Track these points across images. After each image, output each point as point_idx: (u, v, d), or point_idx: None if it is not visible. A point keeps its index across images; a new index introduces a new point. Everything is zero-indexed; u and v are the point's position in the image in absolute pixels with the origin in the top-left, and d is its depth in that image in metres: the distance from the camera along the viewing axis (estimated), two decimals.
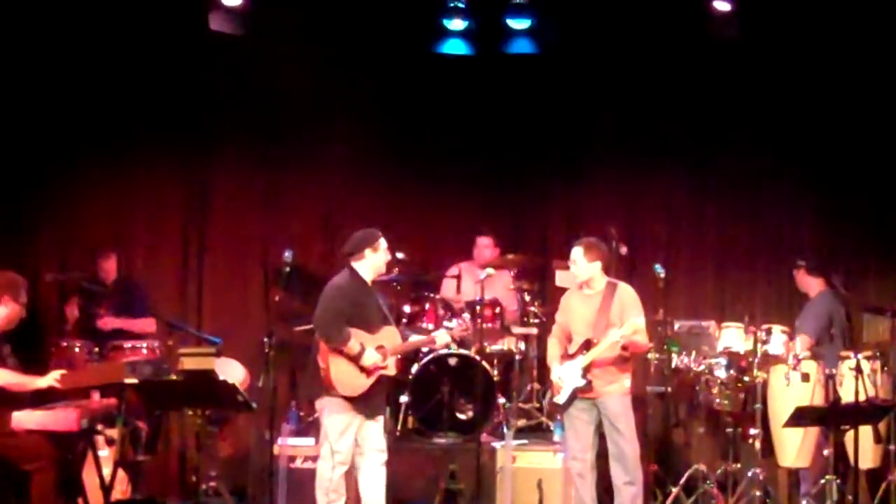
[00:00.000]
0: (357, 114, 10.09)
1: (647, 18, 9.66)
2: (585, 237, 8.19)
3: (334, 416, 7.75)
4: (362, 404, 7.76)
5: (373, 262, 7.84)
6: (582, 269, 8.01)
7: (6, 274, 7.74)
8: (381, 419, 7.90)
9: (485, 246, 9.84)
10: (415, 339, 8.07)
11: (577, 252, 8.03)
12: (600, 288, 8.02)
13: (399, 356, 7.95)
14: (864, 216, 9.73)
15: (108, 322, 9.09)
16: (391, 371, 7.79)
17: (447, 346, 8.64)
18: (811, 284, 9.22)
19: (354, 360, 7.61)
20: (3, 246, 9.45)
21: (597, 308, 7.94)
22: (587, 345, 7.87)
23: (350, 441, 7.77)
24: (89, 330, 9.03)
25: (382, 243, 7.87)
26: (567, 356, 8.00)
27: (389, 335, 7.79)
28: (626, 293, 8.01)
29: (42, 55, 9.57)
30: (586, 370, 7.85)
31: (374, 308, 7.83)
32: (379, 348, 7.69)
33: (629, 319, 7.79)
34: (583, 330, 7.95)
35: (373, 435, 7.81)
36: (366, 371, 7.67)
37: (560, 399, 8.00)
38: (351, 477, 8.05)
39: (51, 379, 7.49)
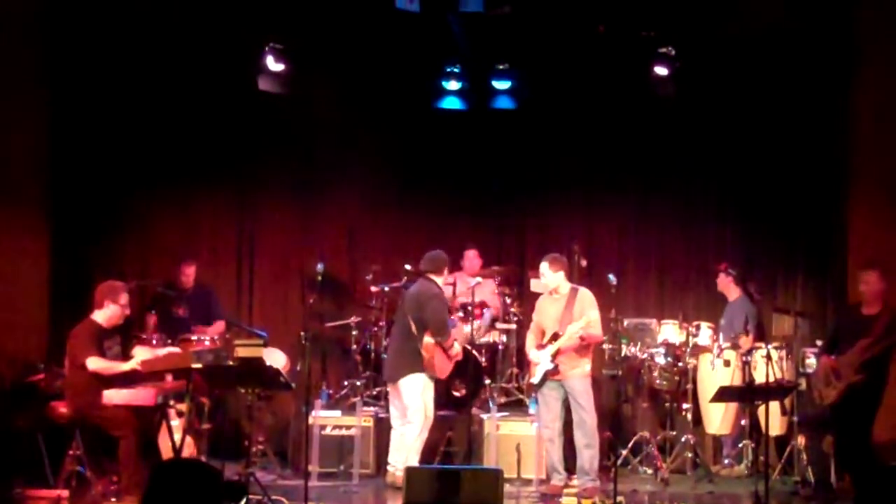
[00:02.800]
0: (375, 155, 10.07)
1: (602, 80, 9.67)
2: (551, 253, 8.31)
3: (428, 393, 8.09)
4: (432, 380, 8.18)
5: (445, 278, 8.19)
6: (549, 278, 8.13)
7: (107, 282, 7.82)
8: None
9: (473, 257, 9.83)
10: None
11: (543, 266, 8.15)
12: (565, 292, 8.13)
13: None
14: (775, 237, 9.77)
15: (196, 330, 9.00)
16: (459, 357, 8.32)
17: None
18: (732, 290, 9.29)
19: (447, 349, 8.08)
20: (97, 259, 9.53)
21: (562, 308, 8.06)
22: (554, 337, 7.99)
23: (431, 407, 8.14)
24: (165, 327, 9.03)
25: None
26: (540, 346, 8.12)
27: (459, 330, 8.36)
28: (586, 296, 8.14)
29: (129, 110, 9.69)
30: (554, 356, 7.97)
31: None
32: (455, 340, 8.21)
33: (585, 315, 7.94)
34: (552, 326, 8.08)
35: None
36: (451, 358, 8.15)
37: (534, 380, 8.12)
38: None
39: (133, 363, 7.56)
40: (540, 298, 8.41)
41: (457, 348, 8.28)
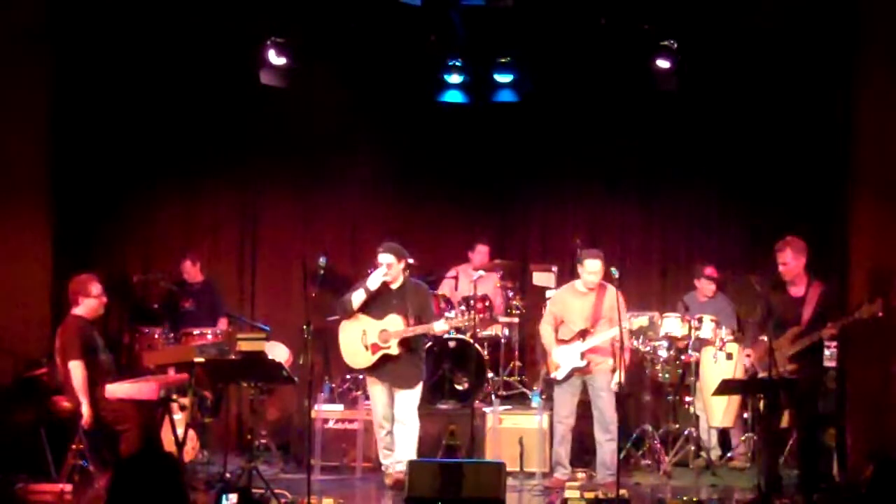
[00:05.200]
0: (376, 148, 10.05)
1: (604, 73, 9.68)
2: (592, 248, 8.21)
3: (370, 388, 7.93)
4: (376, 375, 7.87)
5: (374, 273, 7.94)
6: (601, 276, 8.01)
7: (75, 278, 7.78)
8: (410, 392, 7.87)
9: (483, 252, 9.82)
10: (417, 328, 7.87)
11: (597, 264, 7.96)
12: (594, 288, 8.05)
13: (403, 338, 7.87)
14: (776, 230, 9.64)
15: (198, 330, 8.91)
16: (394, 351, 7.78)
17: (445, 333, 8.26)
18: (712, 289, 9.30)
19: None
20: (99, 253, 9.52)
21: (592, 304, 7.93)
22: (583, 333, 7.91)
23: (375, 407, 7.88)
24: (170, 320, 9.05)
25: (380, 259, 7.91)
26: (562, 342, 8.03)
27: (393, 322, 7.80)
28: (615, 294, 7.97)
29: (130, 105, 9.67)
30: (584, 353, 7.92)
31: (386, 301, 7.87)
32: (382, 332, 7.76)
33: (629, 320, 7.95)
34: (579, 321, 7.98)
35: (400, 406, 7.88)
36: (369, 349, 7.78)
37: (559, 375, 8.02)
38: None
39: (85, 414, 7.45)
40: (561, 290, 8.32)
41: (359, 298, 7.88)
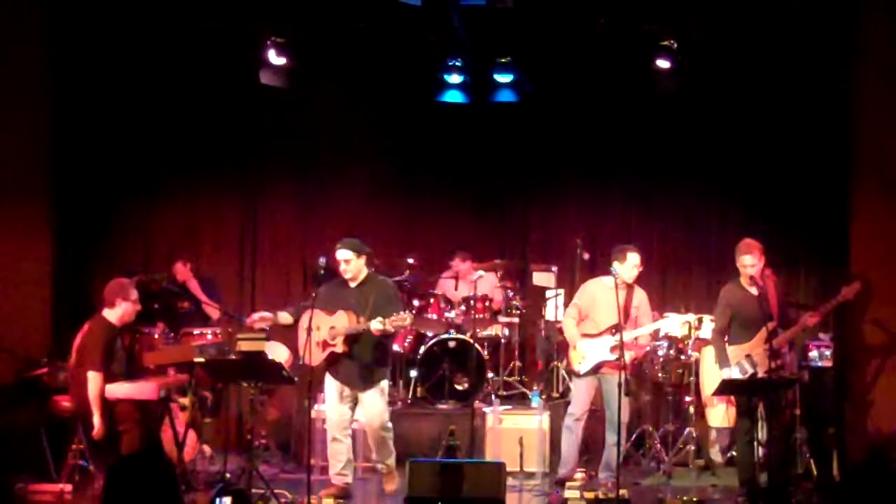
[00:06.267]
0: (376, 148, 10.09)
1: (604, 73, 9.71)
2: (629, 245, 8.15)
3: (325, 386, 7.77)
4: (332, 373, 7.65)
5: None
6: (637, 271, 8.01)
7: (115, 280, 7.71)
8: (370, 395, 7.58)
9: (457, 264, 9.75)
10: (358, 326, 7.47)
11: (637, 257, 7.98)
12: (631, 282, 8.00)
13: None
14: (777, 230, 9.69)
15: (198, 330, 8.79)
16: (339, 349, 7.51)
17: (380, 333, 7.45)
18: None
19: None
20: (99, 254, 9.56)
21: (622, 301, 7.79)
22: (616, 328, 7.75)
23: (330, 405, 7.69)
24: (169, 318, 9.05)
25: (338, 255, 7.71)
26: (587, 335, 7.97)
27: (342, 319, 7.51)
28: (644, 296, 8.05)
29: (130, 105, 9.69)
30: (614, 349, 7.84)
31: (341, 298, 7.61)
32: (331, 328, 7.53)
33: (652, 322, 8.01)
34: (609, 316, 7.83)
35: (364, 408, 7.65)
36: (319, 346, 7.55)
37: (582, 369, 7.97)
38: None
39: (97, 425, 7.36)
40: (590, 283, 8.20)
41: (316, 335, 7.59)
